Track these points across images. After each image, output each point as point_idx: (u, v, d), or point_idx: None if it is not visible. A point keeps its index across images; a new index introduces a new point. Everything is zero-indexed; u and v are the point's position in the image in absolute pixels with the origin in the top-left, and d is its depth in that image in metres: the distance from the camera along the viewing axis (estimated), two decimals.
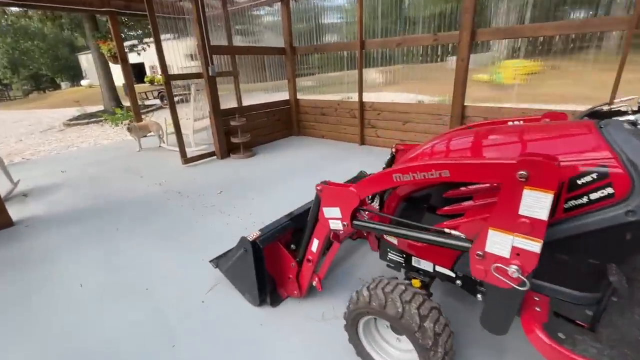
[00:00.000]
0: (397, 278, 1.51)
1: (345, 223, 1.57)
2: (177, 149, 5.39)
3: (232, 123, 5.25)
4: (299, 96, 6.53)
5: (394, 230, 1.42)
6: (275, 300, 2.04)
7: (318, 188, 1.62)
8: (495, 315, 1.25)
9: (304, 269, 1.91)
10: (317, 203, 1.69)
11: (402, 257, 1.72)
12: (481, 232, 1.13)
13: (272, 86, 6.59)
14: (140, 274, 2.43)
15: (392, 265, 1.82)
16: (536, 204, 0.97)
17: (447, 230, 1.27)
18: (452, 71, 4.46)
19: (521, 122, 1.80)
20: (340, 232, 1.65)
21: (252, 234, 1.93)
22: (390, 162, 2.36)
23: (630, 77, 3.62)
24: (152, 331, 1.91)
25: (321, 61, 6.25)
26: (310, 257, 1.85)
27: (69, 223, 3.31)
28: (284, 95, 6.57)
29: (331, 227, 1.65)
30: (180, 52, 5.90)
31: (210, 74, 4.81)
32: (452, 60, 4.59)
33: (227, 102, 5.73)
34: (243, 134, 5.43)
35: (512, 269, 1.07)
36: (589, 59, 3.75)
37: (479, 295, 1.44)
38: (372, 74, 5.60)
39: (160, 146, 6.43)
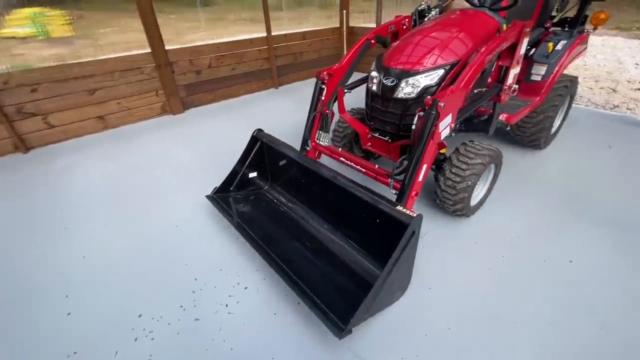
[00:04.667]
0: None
1: (455, 124, 1.71)
2: None
3: None
4: None
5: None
6: None
7: (441, 104, 1.53)
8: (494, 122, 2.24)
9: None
10: (431, 122, 1.58)
11: None
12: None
13: None
14: None
15: None
16: None
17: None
18: None
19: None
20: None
21: (402, 209, 1.41)
22: (320, 95, 2.22)
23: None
24: None
25: None
26: (416, 192, 1.73)
27: None
28: None
29: (442, 138, 1.69)
30: None
31: None
32: None
33: None
34: None
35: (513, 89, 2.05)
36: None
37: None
38: None
39: None
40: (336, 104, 2.29)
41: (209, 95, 4.51)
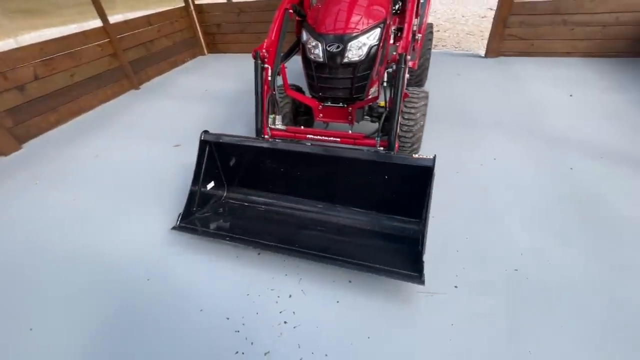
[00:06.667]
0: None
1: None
2: None
3: None
4: None
5: None
6: None
7: (409, 57, 1.70)
8: None
9: None
10: (402, 75, 1.73)
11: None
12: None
13: None
14: None
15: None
16: None
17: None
18: None
19: None
20: None
21: (420, 156, 1.55)
22: (264, 75, 2.04)
23: None
24: None
25: None
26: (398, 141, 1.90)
27: None
28: None
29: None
30: None
31: None
32: None
33: None
34: None
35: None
36: None
37: None
38: None
39: None
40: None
41: (50, 117, 3.33)
